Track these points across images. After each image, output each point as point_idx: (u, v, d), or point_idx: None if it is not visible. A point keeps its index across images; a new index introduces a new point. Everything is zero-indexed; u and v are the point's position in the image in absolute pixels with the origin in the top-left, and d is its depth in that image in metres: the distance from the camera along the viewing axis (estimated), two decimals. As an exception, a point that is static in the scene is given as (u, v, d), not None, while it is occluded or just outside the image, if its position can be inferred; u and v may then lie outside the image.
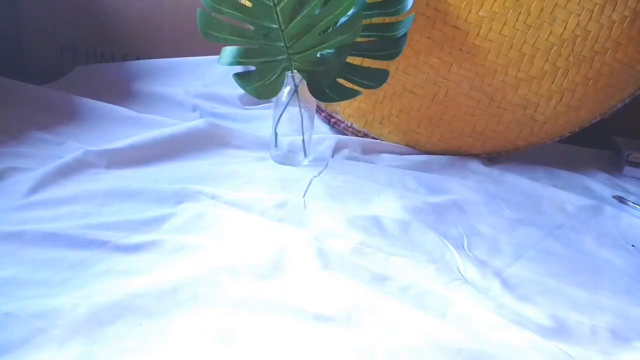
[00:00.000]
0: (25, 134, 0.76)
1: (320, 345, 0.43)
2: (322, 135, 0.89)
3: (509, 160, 0.92)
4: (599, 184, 0.88)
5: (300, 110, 0.74)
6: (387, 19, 0.76)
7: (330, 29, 0.71)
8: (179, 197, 0.62)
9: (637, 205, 0.79)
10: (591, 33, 0.78)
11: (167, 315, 0.43)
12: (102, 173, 0.67)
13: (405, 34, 0.74)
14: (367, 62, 0.78)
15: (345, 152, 0.85)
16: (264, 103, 0.97)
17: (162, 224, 0.57)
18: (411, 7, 0.72)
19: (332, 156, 0.83)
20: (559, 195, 0.80)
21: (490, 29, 0.78)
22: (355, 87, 0.75)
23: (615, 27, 0.77)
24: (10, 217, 0.55)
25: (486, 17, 0.78)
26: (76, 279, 0.47)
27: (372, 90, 0.78)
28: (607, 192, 0.85)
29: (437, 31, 0.80)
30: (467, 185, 0.79)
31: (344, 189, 0.70)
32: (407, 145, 0.90)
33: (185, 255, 0.52)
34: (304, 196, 0.67)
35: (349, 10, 0.67)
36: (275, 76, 0.73)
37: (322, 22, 0.68)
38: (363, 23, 0.69)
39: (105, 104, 0.87)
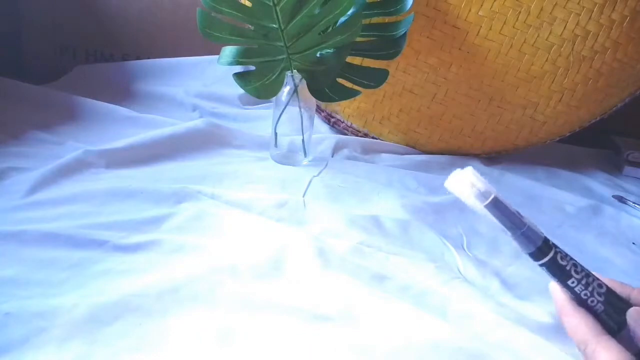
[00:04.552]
0: (25, 134, 0.76)
1: (320, 344, 0.43)
2: (322, 135, 0.89)
3: (509, 160, 0.91)
4: (599, 184, 0.88)
5: (300, 110, 0.74)
6: (387, 19, 0.76)
7: (330, 28, 0.71)
8: (179, 197, 0.62)
9: (637, 205, 0.79)
10: (591, 32, 0.78)
11: (167, 315, 0.43)
12: (101, 173, 0.67)
13: (405, 34, 0.74)
14: (367, 62, 0.78)
15: (345, 151, 0.85)
16: (264, 103, 0.98)
17: (161, 224, 0.57)
18: (411, 6, 0.72)
19: (332, 156, 0.83)
20: (559, 195, 0.80)
21: (490, 29, 0.78)
22: (355, 87, 0.75)
23: (615, 27, 0.77)
24: (9, 217, 0.55)
25: (486, 17, 0.78)
26: (76, 279, 0.47)
27: (372, 90, 0.78)
28: (607, 192, 0.85)
29: (437, 31, 0.80)
30: (467, 185, 0.78)
31: (343, 188, 0.70)
32: (407, 145, 0.90)
33: (185, 255, 0.52)
34: (303, 196, 0.66)
35: (348, 10, 0.67)
36: (275, 76, 0.73)
37: (322, 22, 0.68)
38: (363, 23, 0.69)
39: (105, 103, 0.87)
